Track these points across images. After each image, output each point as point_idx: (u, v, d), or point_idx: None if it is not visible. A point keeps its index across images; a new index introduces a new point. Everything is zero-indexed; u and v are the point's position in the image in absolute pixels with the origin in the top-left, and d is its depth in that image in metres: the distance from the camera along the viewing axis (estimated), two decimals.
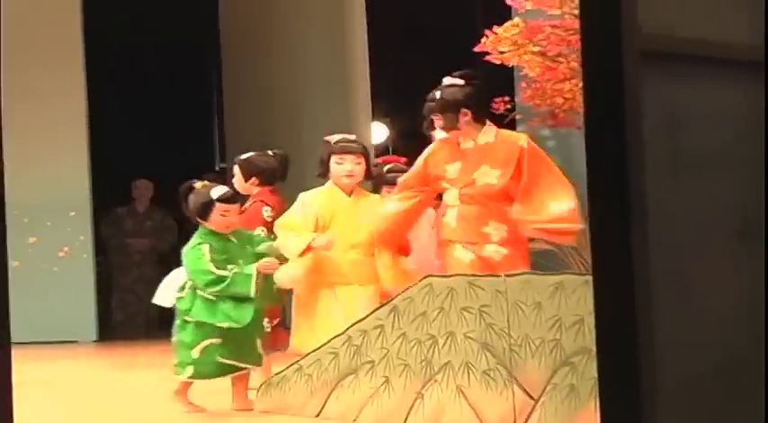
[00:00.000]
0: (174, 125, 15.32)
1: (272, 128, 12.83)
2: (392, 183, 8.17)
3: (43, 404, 7.72)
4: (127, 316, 13.07)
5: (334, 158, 7.63)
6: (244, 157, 8.42)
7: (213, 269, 7.17)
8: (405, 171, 8.21)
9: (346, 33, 13.68)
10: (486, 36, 7.94)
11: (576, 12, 5.57)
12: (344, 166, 7.59)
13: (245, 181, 8.16)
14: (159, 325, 10.76)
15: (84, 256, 12.10)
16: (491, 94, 8.07)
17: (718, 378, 3.02)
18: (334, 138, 8.05)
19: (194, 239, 7.44)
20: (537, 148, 7.35)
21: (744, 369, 3.15)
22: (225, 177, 10.09)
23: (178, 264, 8.11)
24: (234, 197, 7.60)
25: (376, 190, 8.60)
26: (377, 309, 7.02)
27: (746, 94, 3.19)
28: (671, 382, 2.82)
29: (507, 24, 7.83)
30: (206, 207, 7.26)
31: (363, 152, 7.93)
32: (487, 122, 7.32)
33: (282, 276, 7.39)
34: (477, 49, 8.12)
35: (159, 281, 8.50)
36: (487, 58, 8.08)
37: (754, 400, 3.12)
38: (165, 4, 14.75)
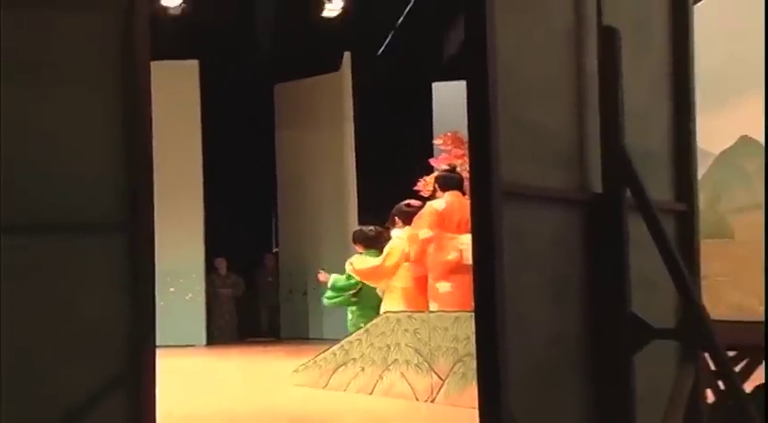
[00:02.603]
0: (243, 219, 20.68)
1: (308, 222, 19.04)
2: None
3: (176, 380, 10.27)
4: (220, 330, 19.35)
5: None
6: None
7: None
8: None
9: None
10: (420, 181, 11.25)
11: (467, 168, 7.17)
12: None
13: None
14: (241, 335, 19.79)
15: (199, 299, 18.35)
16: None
17: (539, 370, 3.99)
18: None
19: None
20: None
21: (554, 368, 4.09)
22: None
23: (252, 304, 19.69)
24: None
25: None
26: (359, 329, 10.19)
27: (560, 216, 4.18)
28: (514, 372, 3.76)
29: (430, 176, 11.03)
30: None
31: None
32: None
33: None
34: (415, 187, 10.64)
35: (235, 312, 19.58)
36: (420, 193, 10.99)
37: (560, 385, 4.10)
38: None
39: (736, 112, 12.46)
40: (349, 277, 12.04)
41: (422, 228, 10.79)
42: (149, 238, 6.19)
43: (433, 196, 11.15)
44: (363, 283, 11.83)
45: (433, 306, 10.52)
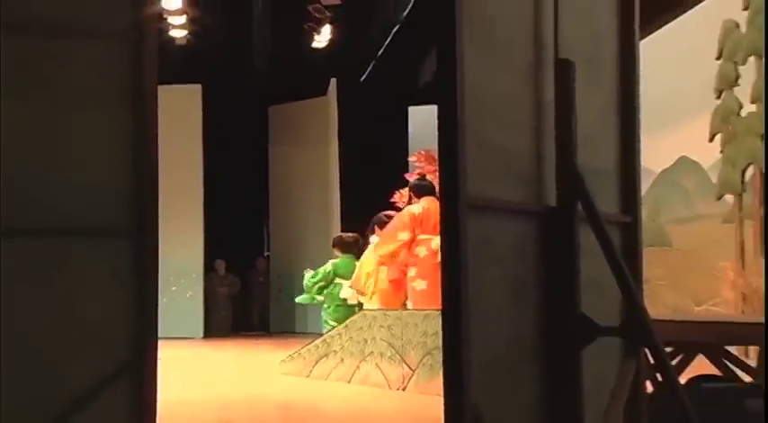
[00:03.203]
0: (238, 226, 20.50)
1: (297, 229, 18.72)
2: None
3: (176, 369, 10.50)
4: (216, 325, 19.24)
5: None
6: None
7: None
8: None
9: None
10: (396, 194, 11.11)
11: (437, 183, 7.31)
12: None
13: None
14: (234, 329, 19.64)
15: (198, 297, 18.46)
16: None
17: (498, 363, 3.99)
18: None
19: None
20: None
21: (511, 361, 4.10)
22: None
23: (245, 301, 19.59)
24: None
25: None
26: (327, 325, 10.67)
27: (519, 226, 4.20)
28: (476, 364, 3.76)
29: (405, 189, 10.94)
30: None
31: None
32: None
33: None
34: (392, 199, 10.67)
35: (232, 310, 19.51)
36: (396, 204, 10.99)
37: (516, 376, 4.11)
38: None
39: (675, 135, 12.54)
40: (313, 276, 12.29)
41: (400, 229, 10.78)
42: (154, 243, 6.22)
43: (409, 204, 11.14)
44: (329, 284, 12.10)
45: (410, 303, 10.51)
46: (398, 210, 11.50)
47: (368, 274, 11.31)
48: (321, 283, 12.42)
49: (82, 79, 6.03)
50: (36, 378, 5.84)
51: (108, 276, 6.07)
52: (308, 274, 12.81)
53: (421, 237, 10.68)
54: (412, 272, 10.61)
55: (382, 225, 11.49)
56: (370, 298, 11.22)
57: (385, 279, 11.04)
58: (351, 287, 11.91)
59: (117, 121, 6.04)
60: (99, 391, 5.97)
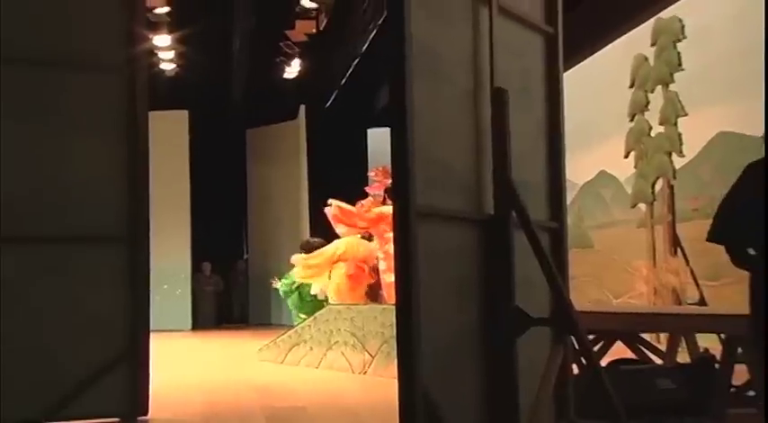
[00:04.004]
0: (221, 233, 20.20)
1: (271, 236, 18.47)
2: None
3: (166, 357, 10.08)
4: (203, 318, 18.76)
5: None
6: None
7: None
8: None
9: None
10: (358, 204, 10.63)
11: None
12: None
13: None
14: (218, 322, 19.31)
15: (186, 294, 18.01)
16: None
17: (445, 350, 3.97)
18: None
19: None
20: None
21: (456, 348, 4.10)
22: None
23: (227, 298, 19.04)
24: None
25: None
26: (309, 318, 10.12)
27: (462, 232, 4.20)
28: (425, 351, 3.74)
29: (366, 200, 10.63)
30: None
31: None
32: None
33: None
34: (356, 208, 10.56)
35: (216, 306, 19.31)
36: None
37: (461, 361, 4.08)
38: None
39: (596, 152, 12.60)
40: (287, 277, 12.54)
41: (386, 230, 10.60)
42: (146, 249, 6.22)
43: (384, 204, 10.90)
44: (300, 285, 12.28)
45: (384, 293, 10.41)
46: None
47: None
48: (295, 283, 12.44)
49: (83, 106, 6.03)
50: (45, 364, 5.83)
51: (107, 277, 6.06)
52: (278, 283, 12.98)
53: (390, 234, 10.62)
54: (383, 265, 10.44)
55: (307, 248, 11.77)
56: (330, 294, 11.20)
57: (343, 275, 10.94)
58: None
59: (114, 143, 6.08)
60: (100, 375, 5.95)
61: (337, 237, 11.46)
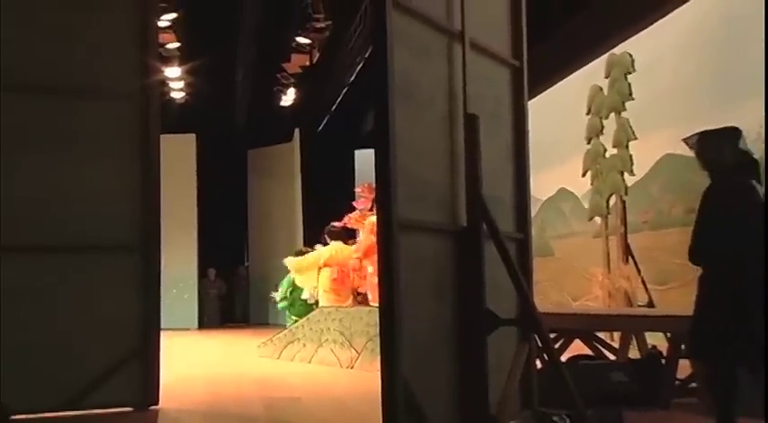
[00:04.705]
0: (224, 242, 19.94)
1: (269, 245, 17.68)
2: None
3: (174, 353, 10.03)
4: (209, 318, 18.53)
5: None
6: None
7: None
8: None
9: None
10: (346, 217, 10.24)
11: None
12: None
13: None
14: (222, 322, 18.97)
15: (193, 297, 17.70)
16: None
17: (423, 347, 3.95)
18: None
19: None
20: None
21: (433, 346, 4.07)
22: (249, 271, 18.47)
23: (230, 300, 18.27)
24: None
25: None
26: (304, 318, 9.92)
27: (439, 242, 4.18)
28: (405, 348, 3.74)
29: (354, 213, 10.17)
30: None
31: None
32: None
33: None
34: (343, 221, 10.37)
35: (220, 307, 18.62)
36: (346, 224, 10.27)
37: (437, 357, 4.06)
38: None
39: (557, 171, 12.62)
40: (282, 285, 12.61)
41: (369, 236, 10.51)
42: (157, 256, 6.18)
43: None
44: (293, 290, 12.23)
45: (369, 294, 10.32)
46: (346, 228, 11.34)
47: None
48: (290, 289, 12.42)
49: (102, 130, 6.02)
50: (68, 360, 5.79)
51: (123, 282, 6.02)
52: (277, 294, 12.95)
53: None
54: (370, 269, 10.36)
55: (331, 234, 11.41)
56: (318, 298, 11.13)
57: (328, 278, 10.82)
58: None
59: (129, 163, 6.07)
60: (116, 369, 5.91)
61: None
